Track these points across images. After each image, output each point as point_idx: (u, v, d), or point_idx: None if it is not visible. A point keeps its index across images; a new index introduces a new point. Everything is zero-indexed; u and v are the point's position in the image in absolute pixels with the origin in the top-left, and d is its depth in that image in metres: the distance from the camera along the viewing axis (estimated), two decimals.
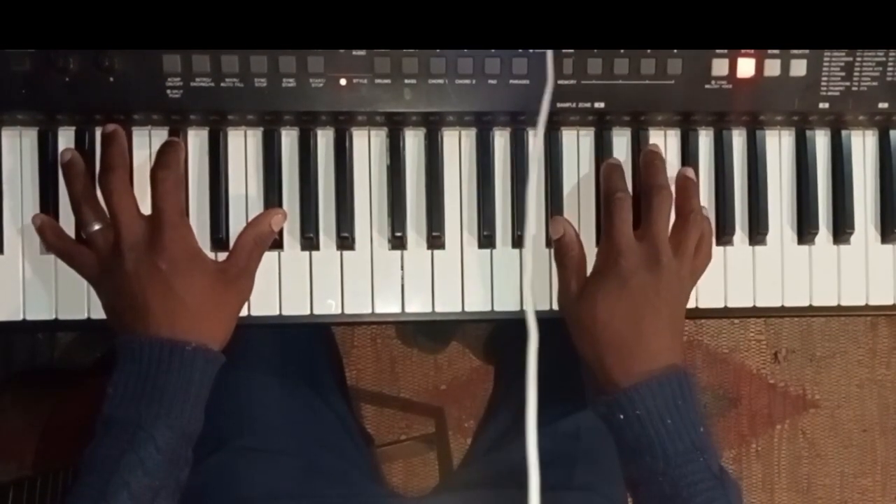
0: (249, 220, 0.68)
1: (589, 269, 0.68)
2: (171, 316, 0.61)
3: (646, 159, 0.69)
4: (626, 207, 0.66)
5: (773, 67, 0.68)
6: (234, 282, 0.65)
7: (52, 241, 0.66)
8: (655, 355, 0.63)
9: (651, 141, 0.72)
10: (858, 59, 0.69)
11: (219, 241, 0.68)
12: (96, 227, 0.64)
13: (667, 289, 0.64)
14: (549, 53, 0.66)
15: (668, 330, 0.64)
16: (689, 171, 0.70)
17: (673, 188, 0.68)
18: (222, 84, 0.66)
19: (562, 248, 0.68)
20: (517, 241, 0.71)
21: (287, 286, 0.70)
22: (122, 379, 0.60)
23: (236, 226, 0.69)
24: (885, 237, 0.74)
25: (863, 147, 0.74)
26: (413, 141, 0.71)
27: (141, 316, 0.61)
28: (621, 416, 0.62)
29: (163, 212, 0.62)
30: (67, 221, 0.68)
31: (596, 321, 0.64)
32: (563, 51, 0.67)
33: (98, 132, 0.69)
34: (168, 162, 0.64)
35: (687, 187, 0.69)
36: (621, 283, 0.64)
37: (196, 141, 0.70)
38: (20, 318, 0.69)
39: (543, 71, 0.66)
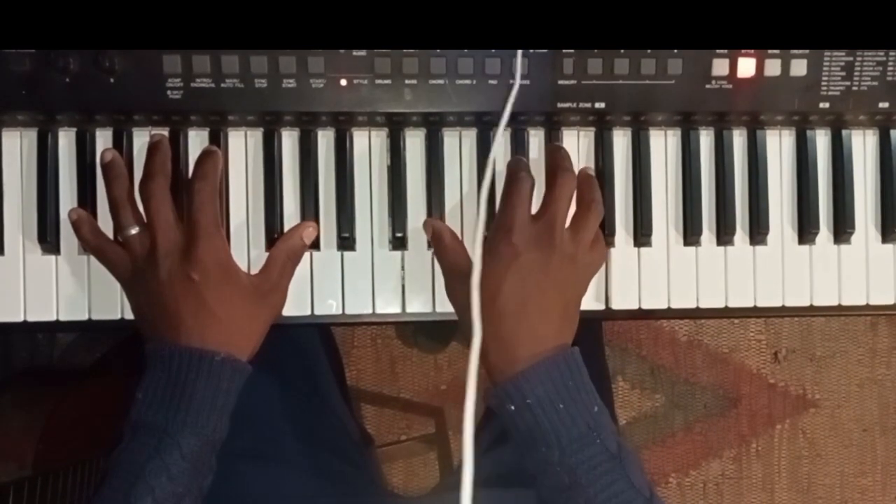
0: (240, 223, 0.68)
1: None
2: (201, 326, 0.61)
3: (549, 149, 0.69)
4: (525, 187, 0.64)
5: (773, 67, 0.68)
6: (266, 297, 0.65)
7: (87, 237, 0.66)
8: (542, 339, 0.61)
9: (652, 141, 0.72)
10: (858, 59, 0.69)
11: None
12: (133, 230, 0.64)
13: (557, 269, 0.62)
14: (519, 53, 0.66)
15: (556, 313, 0.62)
16: (590, 169, 0.70)
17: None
18: (223, 84, 0.66)
19: (435, 243, 0.68)
20: None
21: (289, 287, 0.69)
22: (150, 385, 0.61)
23: (237, 227, 0.69)
24: (886, 237, 0.74)
25: (863, 147, 0.74)
26: (413, 141, 0.71)
27: (172, 324, 0.61)
28: (512, 407, 0.59)
29: (198, 223, 0.62)
30: (65, 223, 0.68)
31: (482, 300, 0.61)
32: (564, 51, 0.67)
33: (99, 133, 0.69)
34: (206, 172, 0.64)
35: (589, 178, 0.68)
36: (509, 260, 0.61)
37: (196, 142, 0.70)
38: (20, 318, 0.69)
39: (549, 71, 0.66)
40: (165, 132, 0.69)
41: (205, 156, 0.66)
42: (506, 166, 0.68)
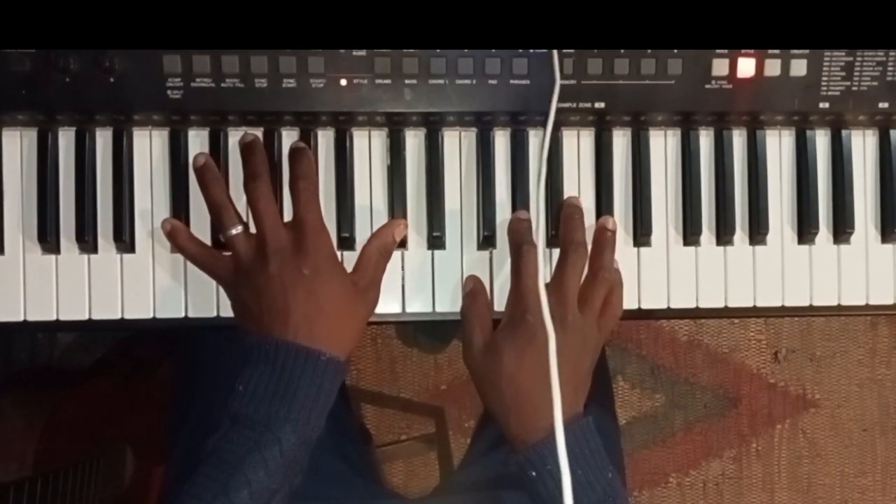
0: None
1: None
2: (309, 322, 0.62)
3: (565, 213, 0.70)
4: (532, 260, 0.66)
5: (773, 67, 0.68)
6: (364, 293, 0.66)
7: (185, 245, 0.67)
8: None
9: (652, 141, 0.72)
10: (858, 59, 0.69)
11: (219, 242, 0.68)
12: (236, 230, 0.65)
13: (570, 346, 0.64)
14: (555, 53, 0.66)
15: (569, 385, 0.64)
16: (609, 222, 0.70)
17: (590, 236, 0.69)
18: (223, 84, 0.66)
19: (468, 301, 0.69)
20: None
21: None
22: (253, 378, 0.61)
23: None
24: (885, 237, 0.74)
25: (863, 147, 0.74)
26: (413, 141, 0.71)
27: (280, 319, 0.62)
28: (533, 473, 0.62)
29: (306, 220, 0.64)
30: (65, 223, 0.69)
31: (502, 376, 0.64)
32: (564, 51, 0.67)
33: (99, 133, 0.69)
34: (306, 172, 0.66)
35: (603, 240, 0.69)
36: (528, 339, 0.64)
37: (196, 141, 0.70)
38: (20, 318, 0.69)
39: (548, 71, 0.66)
40: (166, 132, 0.69)
41: (299, 154, 0.66)
42: (509, 232, 0.70)
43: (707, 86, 0.69)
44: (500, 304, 0.71)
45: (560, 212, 0.70)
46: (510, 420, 0.65)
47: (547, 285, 0.67)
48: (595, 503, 0.62)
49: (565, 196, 0.71)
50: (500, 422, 0.66)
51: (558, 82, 0.66)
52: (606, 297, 0.68)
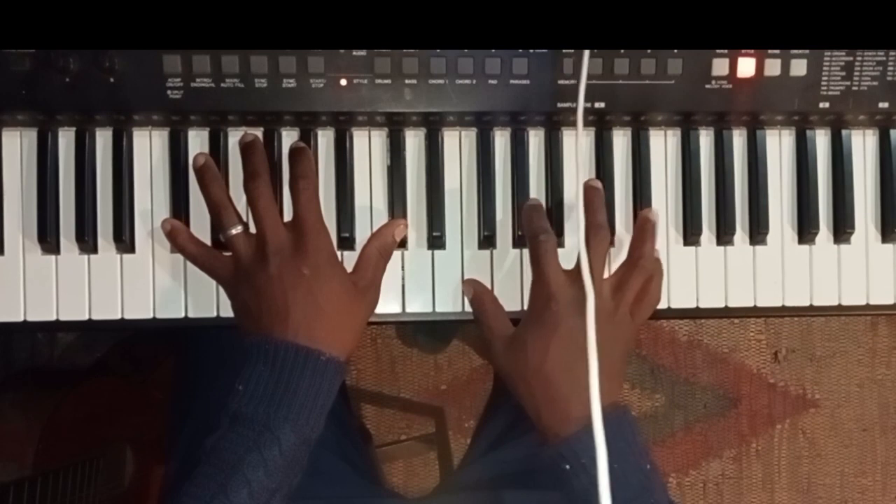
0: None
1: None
2: (309, 322, 0.62)
3: (585, 196, 0.68)
4: (550, 248, 0.65)
5: (773, 67, 0.68)
6: (364, 293, 0.66)
7: (184, 245, 0.67)
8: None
9: (652, 141, 0.72)
10: (858, 58, 0.69)
11: (219, 242, 0.68)
12: (236, 230, 0.65)
13: (599, 332, 0.61)
14: (586, 53, 0.66)
15: (602, 373, 0.61)
16: (652, 213, 0.70)
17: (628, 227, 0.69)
18: (222, 84, 0.66)
19: (475, 306, 0.69)
20: (518, 241, 0.71)
21: None
22: (253, 378, 0.61)
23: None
24: (886, 237, 0.74)
25: (863, 147, 0.74)
26: (413, 141, 0.71)
27: (280, 319, 0.62)
28: (567, 467, 0.61)
29: (306, 220, 0.64)
30: (65, 223, 0.69)
31: (528, 368, 0.64)
32: (563, 51, 0.67)
33: (99, 133, 0.69)
34: (306, 171, 0.65)
35: (644, 230, 0.69)
36: (552, 328, 0.63)
37: (196, 141, 0.70)
38: (20, 318, 0.69)
39: (548, 70, 0.67)
40: (166, 132, 0.69)
41: (299, 154, 0.66)
42: (523, 221, 0.69)
43: (707, 86, 0.69)
44: (501, 303, 0.70)
45: (561, 204, 0.70)
46: (541, 413, 0.64)
47: (569, 272, 0.66)
48: (631, 498, 0.60)
49: (566, 193, 0.71)
50: (531, 416, 0.65)
51: (584, 79, 0.66)
52: (644, 285, 0.67)
